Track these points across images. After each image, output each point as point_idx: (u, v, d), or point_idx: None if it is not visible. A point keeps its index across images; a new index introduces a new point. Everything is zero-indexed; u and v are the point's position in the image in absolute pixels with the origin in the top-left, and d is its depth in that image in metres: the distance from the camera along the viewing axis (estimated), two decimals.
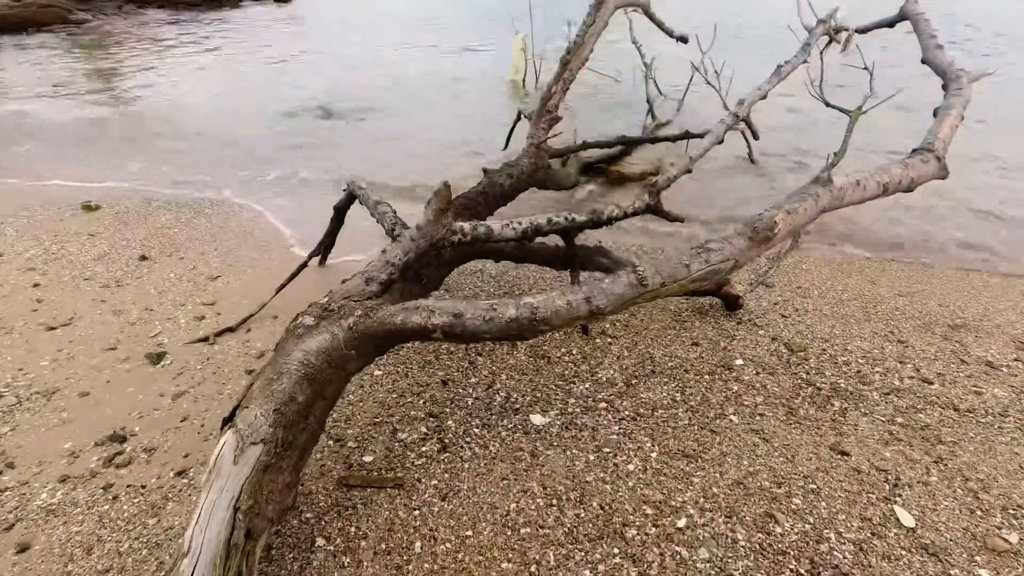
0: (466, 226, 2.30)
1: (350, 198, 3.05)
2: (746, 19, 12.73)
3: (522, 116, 3.83)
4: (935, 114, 2.43)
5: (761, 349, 2.79)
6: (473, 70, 8.95)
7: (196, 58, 10.18)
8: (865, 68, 5.62)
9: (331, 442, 2.32)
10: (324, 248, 3.53)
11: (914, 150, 2.20)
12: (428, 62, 9.57)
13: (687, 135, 4.01)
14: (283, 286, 3.32)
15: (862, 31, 4.28)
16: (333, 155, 5.70)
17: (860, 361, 2.67)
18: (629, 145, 4.62)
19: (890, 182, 2.04)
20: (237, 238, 4.16)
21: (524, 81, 8.01)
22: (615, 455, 2.18)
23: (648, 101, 6.29)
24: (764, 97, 3.28)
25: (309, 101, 7.34)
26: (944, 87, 2.65)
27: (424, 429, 2.37)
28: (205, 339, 3.08)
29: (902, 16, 3.60)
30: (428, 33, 12.62)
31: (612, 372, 2.67)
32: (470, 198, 2.98)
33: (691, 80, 6.50)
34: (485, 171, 3.26)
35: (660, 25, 4.65)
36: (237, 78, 8.86)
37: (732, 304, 3.08)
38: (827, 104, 5.06)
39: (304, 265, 3.37)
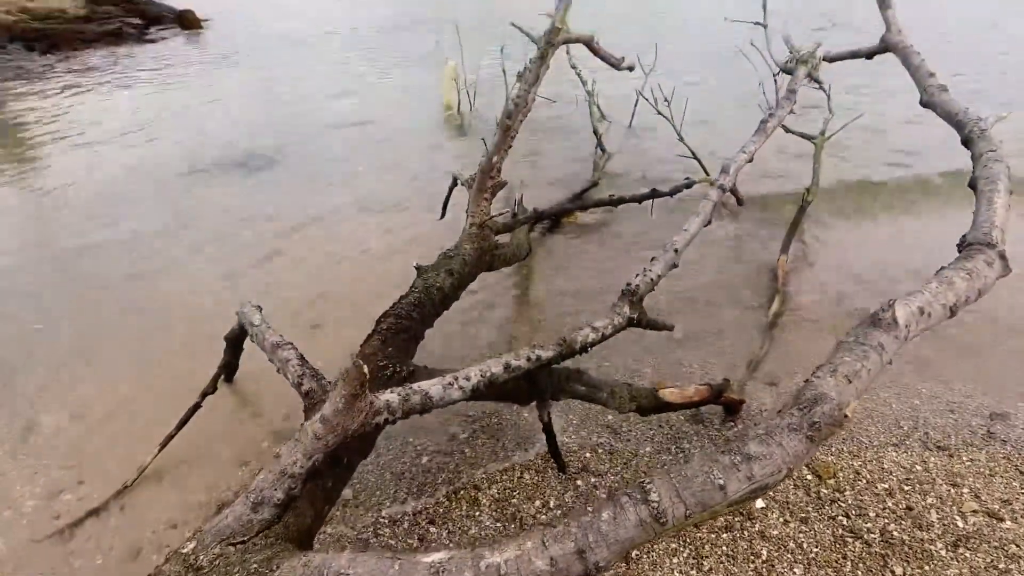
0: (393, 399, 1.65)
1: (244, 330, 2.33)
2: (686, 38, 12.57)
3: (458, 183, 3.21)
4: (972, 186, 1.96)
5: None
6: (403, 101, 8.22)
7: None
8: (820, 87, 5.33)
9: None
10: (225, 377, 2.78)
11: (967, 244, 1.71)
12: (352, 94, 8.77)
13: (654, 194, 3.47)
14: (170, 437, 2.56)
15: (832, 60, 3.87)
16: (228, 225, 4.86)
17: (905, 487, 2.16)
18: (587, 207, 4.00)
19: (957, 302, 1.55)
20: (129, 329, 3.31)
21: (459, 109, 7.39)
22: None
23: (595, 133, 5.78)
24: (751, 160, 2.77)
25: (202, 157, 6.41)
26: (964, 143, 2.21)
27: None
28: (62, 530, 2.29)
29: (884, 47, 3.18)
30: (349, 55, 11.81)
31: None
32: (400, 317, 2.32)
33: (636, 105, 6.01)
34: (418, 269, 2.60)
35: (605, 58, 4.10)
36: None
37: (734, 408, 2.54)
38: (787, 130, 4.66)
39: (197, 406, 2.61)
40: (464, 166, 5.31)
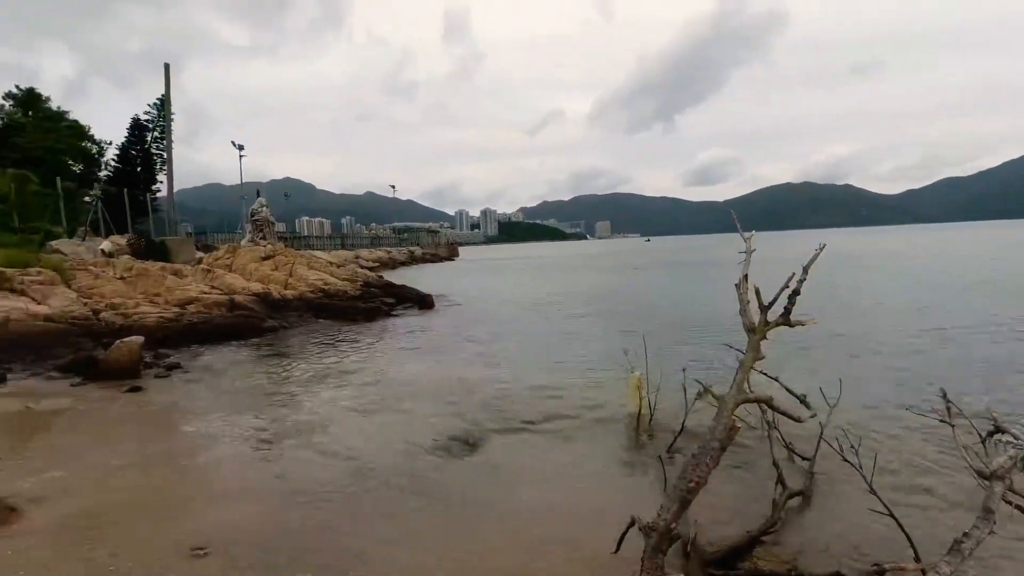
0: None
1: None
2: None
3: (635, 523, 3.54)
4: None
5: None
6: (590, 404, 9.04)
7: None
8: None
9: None
10: None
11: None
12: (544, 390, 9.97)
13: None
14: None
15: None
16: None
17: None
18: None
19: None
20: None
21: (639, 415, 7.93)
22: None
23: (775, 465, 5.77)
24: None
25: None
26: None
27: None
28: None
29: None
30: (550, 350, 13.62)
31: None
32: None
33: (818, 447, 5.94)
34: None
35: (786, 414, 4.46)
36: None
37: None
38: None
39: None
40: (641, 493, 5.62)
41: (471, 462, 6.52)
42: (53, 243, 22.39)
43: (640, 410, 7.92)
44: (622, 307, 21.91)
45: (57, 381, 10.38)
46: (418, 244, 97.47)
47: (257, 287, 20.19)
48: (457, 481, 5.93)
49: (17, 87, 45.02)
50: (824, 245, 4.59)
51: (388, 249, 78.80)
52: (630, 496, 5.69)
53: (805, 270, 4.30)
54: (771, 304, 4.22)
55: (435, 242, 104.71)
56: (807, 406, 5.05)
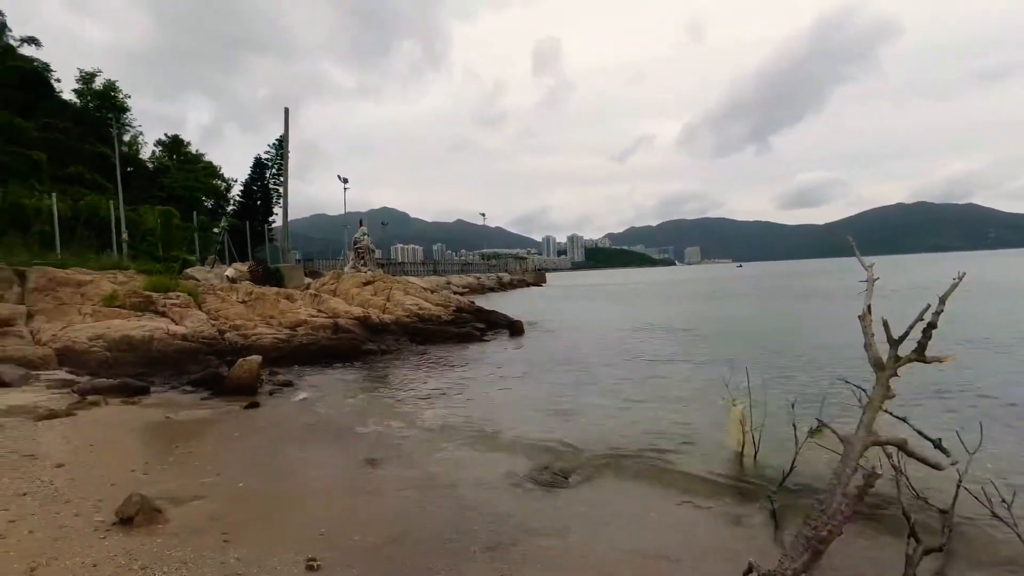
0: None
1: None
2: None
3: (752, 570, 3.32)
4: None
5: None
6: (689, 436, 8.76)
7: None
8: None
9: None
10: None
11: None
12: (639, 418, 9.73)
13: None
14: None
15: None
16: None
17: None
18: None
19: None
20: None
21: (742, 452, 7.50)
22: None
23: (904, 515, 5.19)
24: None
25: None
26: None
27: None
28: None
29: None
30: (648, 377, 13.28)
31: None
32: None
33: (955, 497, 5.26)
34: None
35: (922, 459, 4.04)
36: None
37: None
38: None
39: None
40: (748, 537, 5.30)
41: (566, 496, 6.39)
42: (188, 270, 25.20)
43: (743, 446, 7.49)
44: (718, 336, 20.93)
45: (190, 394, 11.55)
46: (506, 270, 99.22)
47: (358, 311, 21.40)
48: (552, 518, 5.77)
49: (166, 135, 52.27)
50: (963, 274, 4.16)
51: (477, 275, 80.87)
52: (737, 539, 5.37)
53: (942, 301, 3.92)
54: (902, 338, 3.87)
55: (522, 268, 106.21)
56: (945, 452, 4.53)
